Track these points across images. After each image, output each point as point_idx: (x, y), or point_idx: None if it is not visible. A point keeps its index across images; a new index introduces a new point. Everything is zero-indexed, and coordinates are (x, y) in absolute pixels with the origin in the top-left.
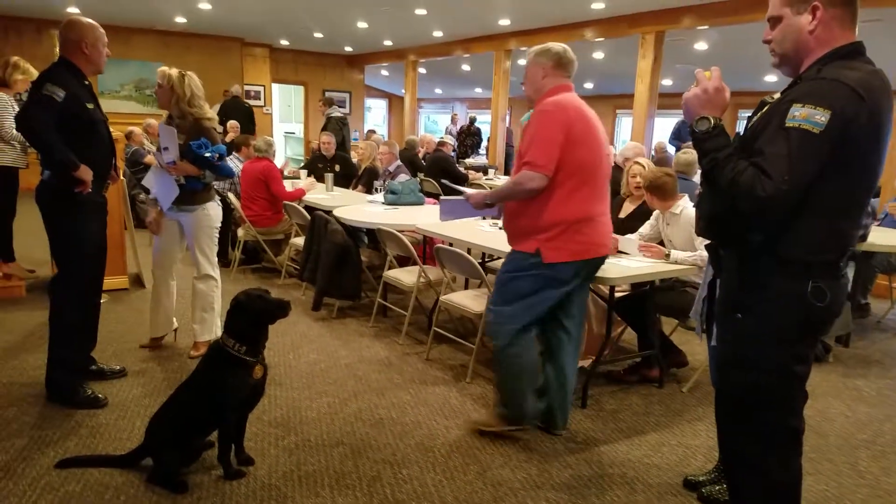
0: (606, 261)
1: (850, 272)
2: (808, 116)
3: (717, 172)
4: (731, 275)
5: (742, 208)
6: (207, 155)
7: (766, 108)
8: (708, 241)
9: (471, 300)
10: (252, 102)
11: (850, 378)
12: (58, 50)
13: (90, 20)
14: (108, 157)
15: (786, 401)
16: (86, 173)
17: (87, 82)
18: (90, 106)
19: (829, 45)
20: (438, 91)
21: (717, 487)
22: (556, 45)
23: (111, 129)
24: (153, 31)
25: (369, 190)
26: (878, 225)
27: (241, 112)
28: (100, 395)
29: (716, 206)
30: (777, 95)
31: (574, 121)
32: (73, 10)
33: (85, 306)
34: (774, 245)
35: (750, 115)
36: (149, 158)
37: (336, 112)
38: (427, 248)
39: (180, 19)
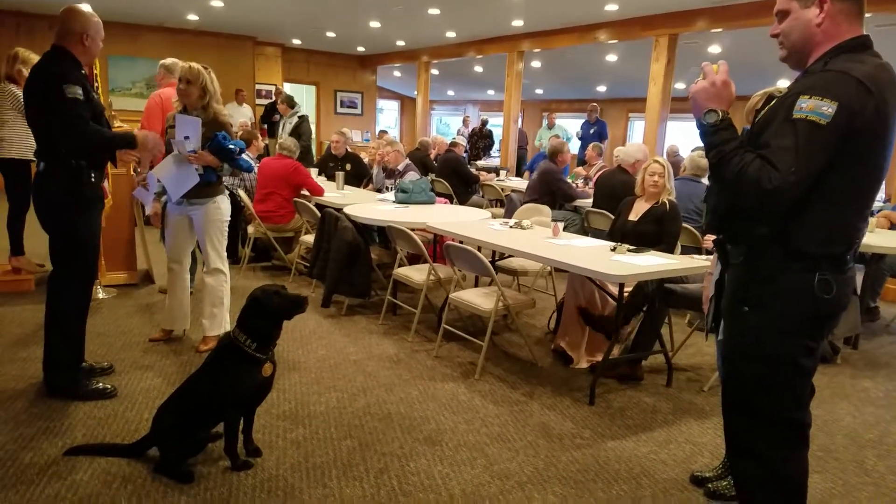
0: (613, 258)
1: (860, 274)
2: (814, 108)
3: (724, 165)
4: (738, 269)
5: (748, 201)
6: (231, 147)
7: (773, 102)
8: (715, 237)
9: (481, 298)
10: (263, 102)
11: (857, 380)
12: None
13: (90, 10)
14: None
15: (792, 393)
16: (143, 148)
17: (83, 71)
18: (95, 96)
19: (836, 39)
20: (451, 93)
21: (724, 483)
22: (168, 60)
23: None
24: (162, 28)
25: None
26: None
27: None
28: (108, 386)
29: (723, 199)
30: (784, 89)
31: (165, 106)
32: (84, 8)
33: (85, 302)
34: (781, 238)
35: (757, 108)
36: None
37: (301, 111)
38: (437, 247)
39: (192, 17)
